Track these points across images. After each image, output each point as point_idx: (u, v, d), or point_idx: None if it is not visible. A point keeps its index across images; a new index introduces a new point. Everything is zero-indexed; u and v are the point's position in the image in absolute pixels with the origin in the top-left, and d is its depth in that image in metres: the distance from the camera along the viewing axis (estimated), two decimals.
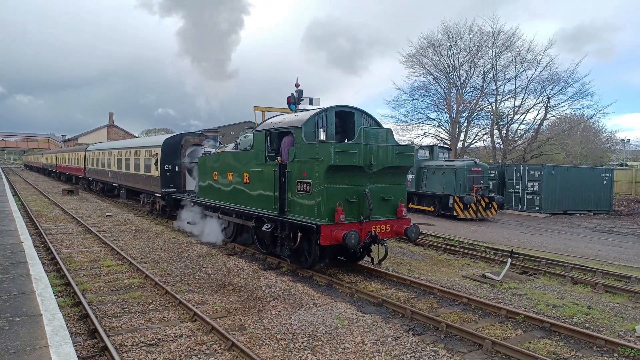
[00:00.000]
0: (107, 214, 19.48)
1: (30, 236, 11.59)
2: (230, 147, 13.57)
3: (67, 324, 5.78)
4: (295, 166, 9.29)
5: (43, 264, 9.22)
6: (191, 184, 15.78)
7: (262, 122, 10.81)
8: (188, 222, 14.59)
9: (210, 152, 14.01)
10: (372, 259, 9.85)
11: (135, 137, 62.31)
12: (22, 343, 4.53)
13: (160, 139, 17.99)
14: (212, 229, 13.40)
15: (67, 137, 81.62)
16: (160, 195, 17.10)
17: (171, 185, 16.56)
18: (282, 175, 9.66)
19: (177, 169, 16.72)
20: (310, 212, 8.92)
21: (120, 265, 10.49)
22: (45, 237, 13.41)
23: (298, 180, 9.16)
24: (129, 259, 10.82)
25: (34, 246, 10.26)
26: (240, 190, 11.35)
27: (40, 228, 14.99)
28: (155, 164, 17.18)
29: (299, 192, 9.18)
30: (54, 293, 6.53)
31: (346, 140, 9.75)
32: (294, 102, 17.71)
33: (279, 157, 9.85)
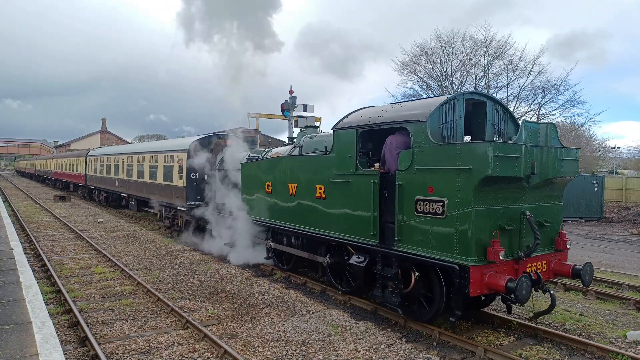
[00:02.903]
0: (99, 220, 19.33)
1: (21, 243, 11.48)
2: (285, 150, 11.16)
3: (57, 332, 5.72)
4: (412, 177, 6.64)
5: (33, 271, 9.13)
6: (223, 195, 12.92)
7: (344, 118, 8.08)
8: (226, 244, 12.01)
9: (257, 157, 11.50)
10: (509, 307, 7.29)
11: (128, 143, 61.85)
12: (11, 352, 4.47)
13: (186, 141, 15.11)
14: (256, 254, 11.22)
15: (59, 143, 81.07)
16: (185, 209, 14.27)
17: (198, 197, 13.89)
18: (384, 189, 7.17)
19: (206, 178, 13.91)
20: (443, 245, 6.26)
21: (111, 272, 10.41)
22: (35, 243, 13.28)
23: (419, 197, 6.53)
24: (121, 265, 10.74)
25: (24, 253, 10.16)
26: (309, 207, 8.73)
27: (30, 235, 14.84)
28: (179, 171, 14.62)
29: (420, 215, 6.52)
30: (44, 300, 6.47)
31: (469, 139, 7.52)
32: (288, 108, 17.70)
33: (376, 164, 7.42)
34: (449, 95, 7.00)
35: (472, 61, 36.29)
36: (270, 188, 9.97)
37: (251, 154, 12.01)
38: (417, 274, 6.88)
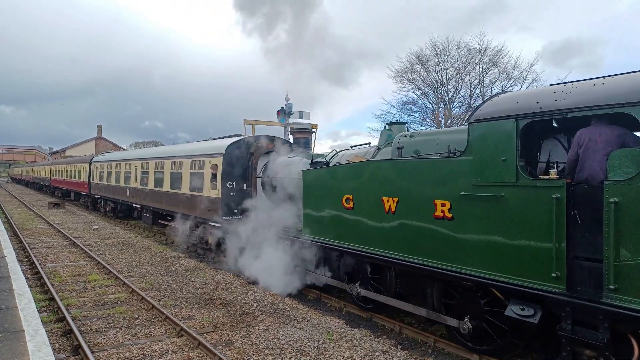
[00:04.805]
0: (94, 227, 19.23)
1: (14, 250, 11.41)
2: (364, 152, 9.13)
3: (50, 340, 5.68)
4: None
5: (27, 278, 9.06)
6: (269, 209, 10.89)
7: (480, 105, 5.96)
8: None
9: (323, 162, 9.39)
10: None
11: (124, 149, 61.58)
12: None
13: (221, 144, 12.97)
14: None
15: (54, 150, 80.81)
16: (219, 224, 11.96)
17: (236, 211, 11.79)
18: (572, 209, 4.92)
19: (245, 187, 12.06)
20: None
21: (106, 280, 10.34)
22: (29, 250, 13.18)
23: None
24: (115, 273, 10.67)
25: (18, 260, 10.09)
26: (422, 230, 6.37)
27: (24, 242, 14.74)
28: (213, 179, 12.56)
29: None
30: (37, 308, 6.42)
31: None
32: (284, 115, 17.72)
33: (552, 171, 5.27)
34: None
35: (467, 69, 36.61)
36: (352, 202, 7.64)
37: (315, 159, 9.74)
38: None
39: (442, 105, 38.28)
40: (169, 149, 18.57)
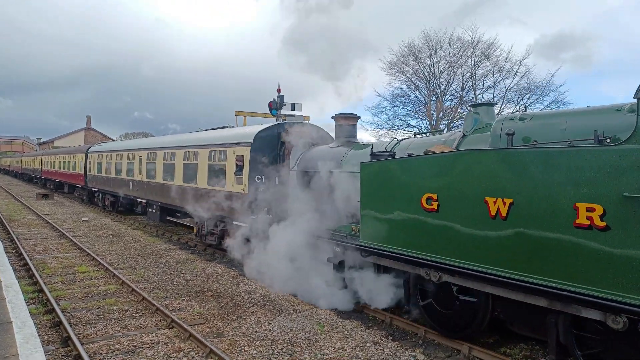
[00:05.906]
0: (83, 218, 19.06)
1: (1, 241, 11.29)
2: (443, 140, 7.69)
3: (39, 332, 5.63)
4: None
5: (14, 270, 8.98)
6: (307, 208, 9.14)
7: None
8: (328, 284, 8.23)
9: (386, 151, 7.60)
10: None
11: (113, 140, 60.71)
12: None
13: (249, 131, 11.40)
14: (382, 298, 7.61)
15: (42, 140, 79.82)
16: (246, 224, 10.31)
17: (265, 209, 10.23)
18: None
19: (276, 182, 10.52)
20: None
21: (96, 271, 10.27)
22: (17, 242, 13.04)
23: None
24: (105, 264, 10.60)
25: (5, 252, 9.99)
26: (553, 241, 4.77)
27: (12, 233, 14.57)
28: (238, 172, 11.08)
29: None
30: (25, 300, 6.36)
31: None
32: (275, 107, 17.59)
33: None
34: None
35: (459, 62, 36.65)
36: (435, 203, 6.06)
37: (374, 150, 7.88)
38: None
39: (434, 98, 38.33)
40: (181, 137, 16.23)
